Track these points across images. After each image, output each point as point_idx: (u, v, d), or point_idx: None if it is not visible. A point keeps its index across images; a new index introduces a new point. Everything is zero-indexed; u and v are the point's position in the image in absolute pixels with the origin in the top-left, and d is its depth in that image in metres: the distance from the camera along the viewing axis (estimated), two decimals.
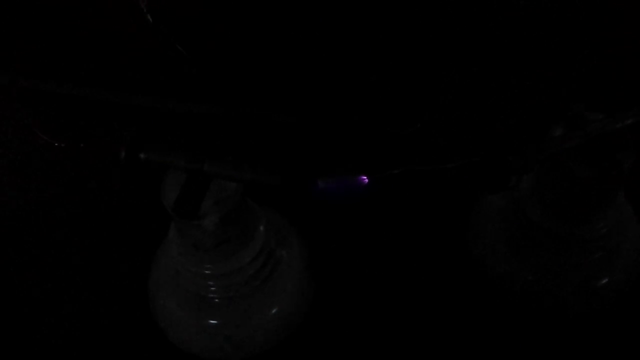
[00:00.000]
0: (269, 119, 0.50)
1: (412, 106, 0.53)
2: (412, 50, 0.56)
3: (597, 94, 0.54)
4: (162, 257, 0.48)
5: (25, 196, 0.57)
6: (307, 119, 0.51)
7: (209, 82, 0.50)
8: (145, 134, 0.37)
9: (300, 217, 0.51)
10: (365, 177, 0.34)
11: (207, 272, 0.43)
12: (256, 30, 0.52)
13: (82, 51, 0.51)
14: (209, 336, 0.46)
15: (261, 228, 0.45)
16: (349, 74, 0.54)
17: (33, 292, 0.52)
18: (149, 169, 0.37)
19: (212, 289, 0.44)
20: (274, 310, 0.46)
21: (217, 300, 0.45)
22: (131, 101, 0.43)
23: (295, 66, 0.53)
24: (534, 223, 0.43)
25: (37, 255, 0.54)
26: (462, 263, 0.49)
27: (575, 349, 0.47)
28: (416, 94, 0.54)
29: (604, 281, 0.45)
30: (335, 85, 0.53)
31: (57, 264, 0.53)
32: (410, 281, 0.51)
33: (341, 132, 0.52)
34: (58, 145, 0.37)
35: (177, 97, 0.46)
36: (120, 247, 0.54)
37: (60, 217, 0.56)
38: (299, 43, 0.52)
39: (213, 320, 0.45)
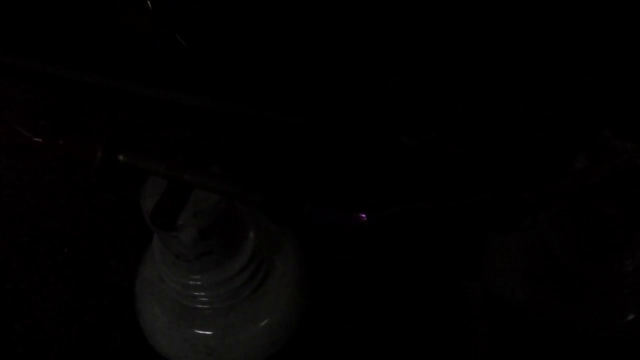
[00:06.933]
0: (275, 119, 0.46)
1: (430, 113, 0.49)
2: (440, 49, 0.51)
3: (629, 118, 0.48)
4: (149, 259, 0.46)
5: (22, 180, 0.55)
6: (318, 123, 0.47)
7: (209, 76, 0.46)
8: (126, 135, 0.35)
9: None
10: (363, 215, 0.30)
11: (190, 282, 0.40)
12: (264, 25, 0.48)
13: (77, 36, 0.48)
14: (191, 346, 0.43)
15: (251, 235, 0.42)
16: (367, 73, 0.50)
17: (20, 284, 0.50)
18: (128, 172, 0.35)
19: (197, 299, 0.41)
20: (263, 323, 0.44)
21: (202, 309, 0.42)
22: (117, 87, 0.40)
23: (304, 65, 0.49)
24: (556, 258, 0.40)
25: (26, 243, 0.52)
26: (476, 291, 0.46)
27: None
28: (435, 99, 0.49)
29: (630, 317, 0.43)
30: (349, 86, 0.49)
31: (46, 254, 0.52)
32: (416, 306, 0.47)
33: (351, 139, 0.48)
34: (36, 141, 0.35)
35: (171, 88, 0.43)
36: (114, 240, 0.52)
37: (55, 205, 0.54)
38: (308, 38, 0.48)
39: (197, 330, 0.43)
